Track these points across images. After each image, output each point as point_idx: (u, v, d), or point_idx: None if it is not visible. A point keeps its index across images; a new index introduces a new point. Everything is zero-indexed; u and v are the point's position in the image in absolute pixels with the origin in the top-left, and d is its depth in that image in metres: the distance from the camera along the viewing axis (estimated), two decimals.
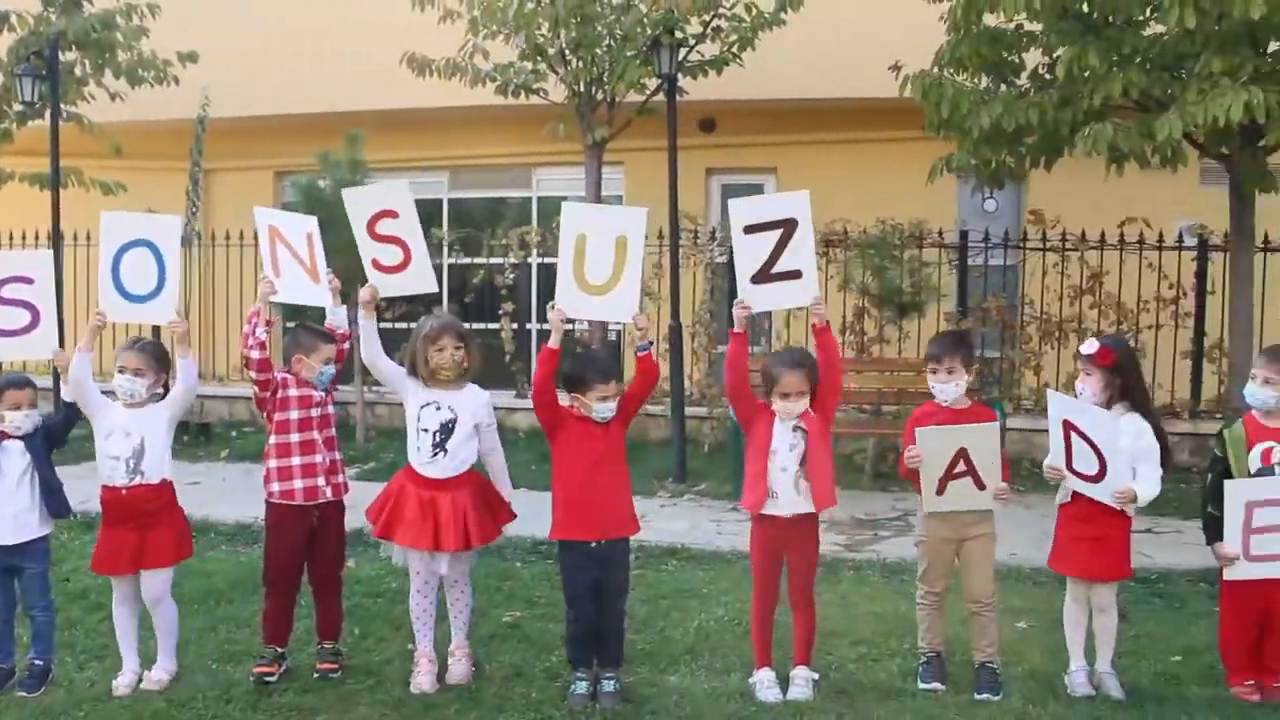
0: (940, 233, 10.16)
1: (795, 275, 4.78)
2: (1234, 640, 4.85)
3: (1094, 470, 4.66)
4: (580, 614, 4.74)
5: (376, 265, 4.99)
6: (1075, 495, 4.79)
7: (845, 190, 10.79)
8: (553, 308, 4.69)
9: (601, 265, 4.67)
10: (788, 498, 4.68)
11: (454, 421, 4.84)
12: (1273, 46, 7.60)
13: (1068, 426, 4.68)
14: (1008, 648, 5.27)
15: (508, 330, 11.31)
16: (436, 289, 5.26)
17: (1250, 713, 4.62)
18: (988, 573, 4.87)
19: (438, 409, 4.85)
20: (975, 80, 8.84)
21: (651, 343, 4.84)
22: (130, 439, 4.69)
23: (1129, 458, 4.66)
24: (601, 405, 4.67)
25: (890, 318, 9.72)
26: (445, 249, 12.61)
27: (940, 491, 4.77)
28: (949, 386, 4.81)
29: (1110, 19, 7.79)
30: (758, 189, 12.88)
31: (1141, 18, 7.90)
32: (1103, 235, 9.75)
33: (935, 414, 4.86)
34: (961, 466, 4.72)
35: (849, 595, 6.16)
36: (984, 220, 11.19)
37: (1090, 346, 4.81)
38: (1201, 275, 10.24)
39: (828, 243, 10.06)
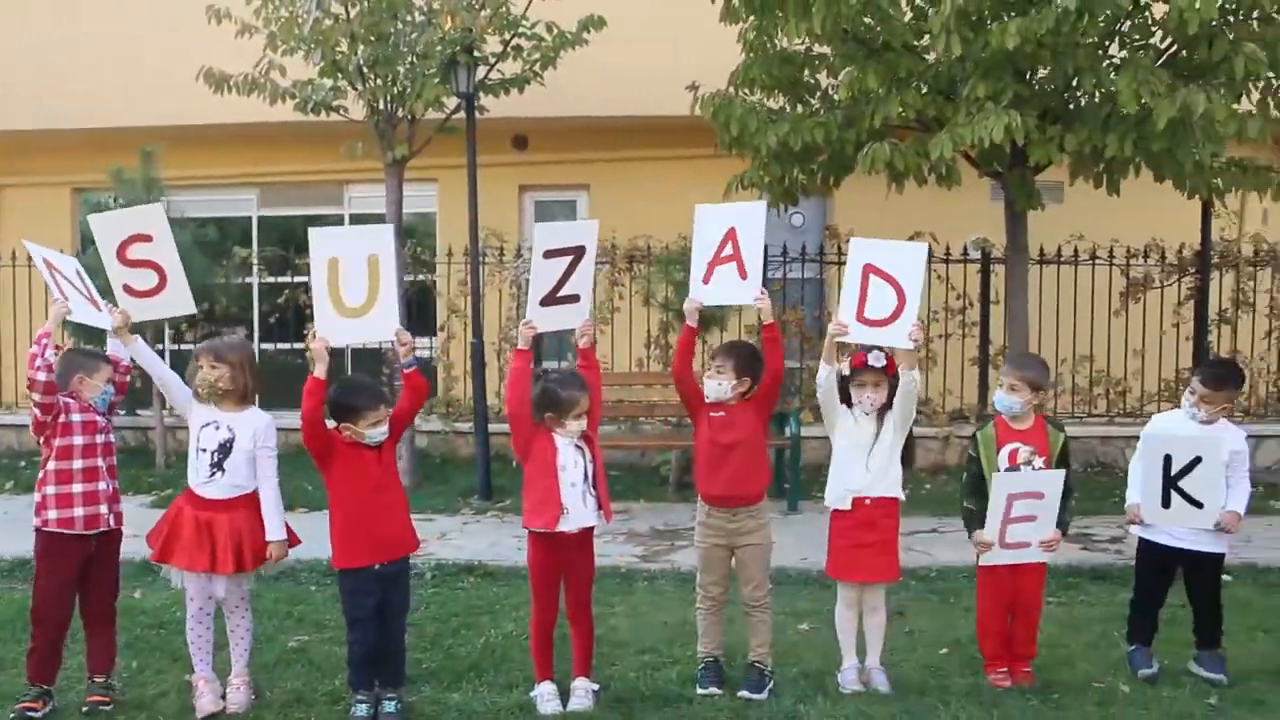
0: None
1: (575, 299, 5.01)
2: (989, 629, 5.17)
3: (888, 312, 4.83)
4: (362, 636, 4.72)
5: (128, 290, 4.91)
6: (854, 502, 4.98)
7: (655, 206, 10.98)
8: (313, 337, 4.66)
9: (357, 287, 4.66)
10: (578, 512, 4.77)
11: (231, 442, 4.78)
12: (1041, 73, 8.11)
13: (868, 270, 4.87)
14: (788, 649, 5.49)
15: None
16: (194, 310, 5.19)
17: (1000, 697, 4.92)
18: (759, 576, 5.04)
19: (216, 429, 4.80)
20: (772, 100, 9.15)
21: (418, 359, 4.89)
22: None
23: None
24: (374, 430, 4.67)
25: None
26: (255, 268, 12.34)
27: (707, 279, 4.98)
28: (713, 384, 5.00)
29: (888, 44, 8.17)
30: (571, 206, 13.02)
31: (919, 44, 8.31)
32: None
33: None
34: (729, 250, 4.93)
35: (640, 605, 6.30)
36: (792, 235, 11.55)
37: (879, 359, 4.99)
38: (985, 287, 10.80)
39: (631, 258, 10.24)
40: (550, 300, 4.92)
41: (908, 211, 9.52)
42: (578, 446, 4.80)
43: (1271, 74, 7.88)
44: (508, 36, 9.54)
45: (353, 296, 4.66)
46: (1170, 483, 5.05)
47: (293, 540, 4.97)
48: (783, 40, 8.72)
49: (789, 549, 7.20)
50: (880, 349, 4.93)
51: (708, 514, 5.03)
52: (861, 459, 4.95)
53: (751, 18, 8.74)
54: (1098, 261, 10.58)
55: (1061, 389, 10.66)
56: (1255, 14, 7.60)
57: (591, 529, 4.87)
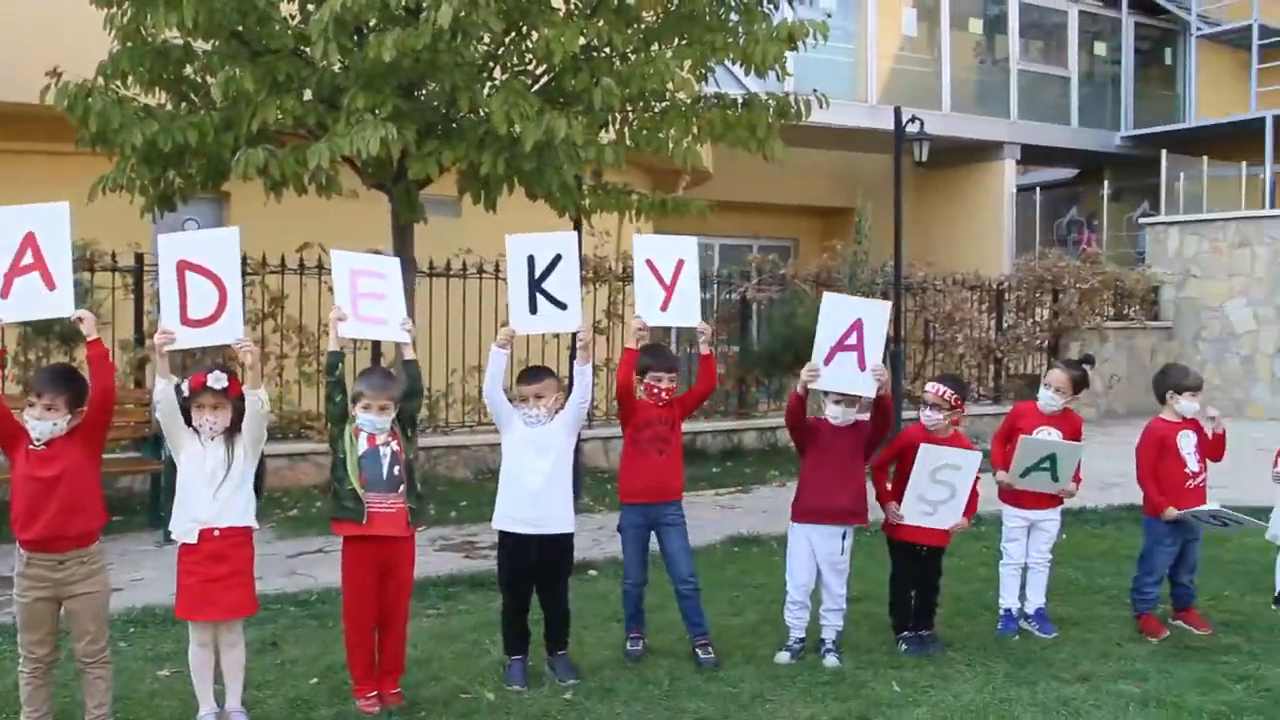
0: (114, 255, 9.55)
1: None
2: (354, 649, 5.03)
3: (212, 309, 4.67)
4: None
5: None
6: (202, 534, 4.62)
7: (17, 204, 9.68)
8: None
9: None
10: None
11: None
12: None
13: (183, 268, 4.65)
14: (145, 700, 5.10)
15: None
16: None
17: None
18: (94, 629, 4.54)
19: None
20: (152, 96, 8.42)
21: None
22: None
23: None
24: None
25: (56, 347, 8.91)
26: None
27: (5, 294, 4.52)
28: (44, 425, 4.40)
29: (269, 46, 7.84)
30: None
31: (306, 49, 8.03)
32: (283, 260, 9.84)
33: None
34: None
35: None
36: None
37: (219, 380, 4.63)
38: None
39: None
40: None
41: (305, 221, 9.25)
42: None
43: (629, 107, 8.61)
44: None
45: None
46: (535, 285, 5.11)
47: None
48: (157, 31, 8.05)
49: (160, 585, 6.67)
50: (221, 369, 4.65)
51: (28, 563, 4.43)
52: (210, 487, 4.62)
53: (126, 4, 7.97)
54: (484, 275, 10.97)
55: (453, 399, 10.93)
56: (613, 52, 8.23)
57: None
